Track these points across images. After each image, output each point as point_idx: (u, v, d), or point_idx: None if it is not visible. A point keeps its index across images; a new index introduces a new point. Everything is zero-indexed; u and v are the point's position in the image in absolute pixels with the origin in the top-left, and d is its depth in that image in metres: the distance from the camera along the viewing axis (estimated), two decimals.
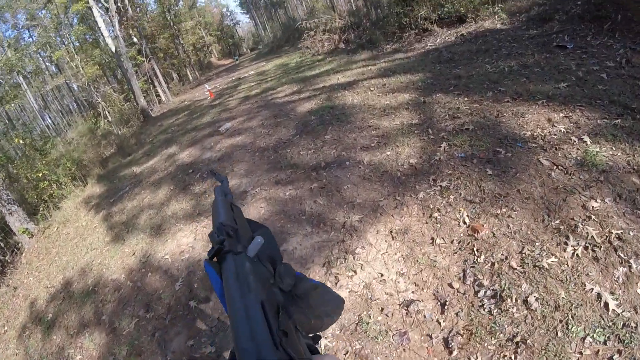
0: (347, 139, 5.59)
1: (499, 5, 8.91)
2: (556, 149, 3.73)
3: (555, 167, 3.50)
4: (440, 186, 3.85)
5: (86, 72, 17.01)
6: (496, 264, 2.82)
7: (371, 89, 7.49)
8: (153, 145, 11.71)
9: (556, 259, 2.65)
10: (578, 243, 2.70)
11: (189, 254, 4.63)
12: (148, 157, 10.35)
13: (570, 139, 3.79)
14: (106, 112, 16.58)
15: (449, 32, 9.42)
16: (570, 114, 4.24)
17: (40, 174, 10.50)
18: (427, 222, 3.53)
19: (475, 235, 3.14)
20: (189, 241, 4.96)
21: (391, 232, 3.58)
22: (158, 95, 20.28)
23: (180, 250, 4.82)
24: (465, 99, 5.50)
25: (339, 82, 8.94)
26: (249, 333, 0.45)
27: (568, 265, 2.60)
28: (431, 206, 3.66)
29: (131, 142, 14.18)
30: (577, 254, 2.63)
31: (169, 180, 7.44)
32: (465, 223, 3.33)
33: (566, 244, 2.72)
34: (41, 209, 9.91)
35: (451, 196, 3.67)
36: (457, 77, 6.48)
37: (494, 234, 3.08)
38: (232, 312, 0.50)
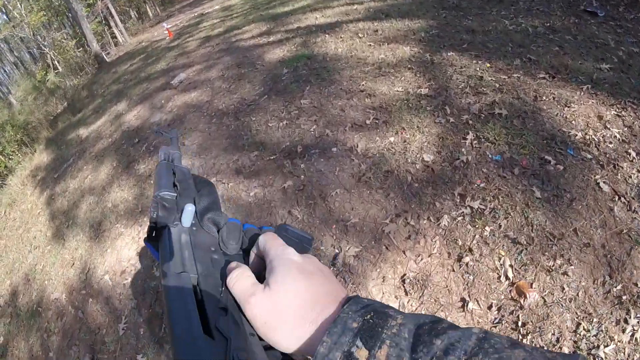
0: (332, 108, 4.10)
1: None
2: (614, 166, 2.72)
3: (617, 197, 2.55)
4: (471, 208, 2.61)
5: (30, 20, 14.33)
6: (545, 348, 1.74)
7: (359, 34, 5.80)
8: (104, 98, 9.95)
9: (614, 346, 1.98)
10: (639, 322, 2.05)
11: (130, 277, 3.72)
12: (96, 116, 8.77)
13: (628, 153, 2.77)
14: (55, 62, 14.23)
15: None
16: (622, 112, 3.16)
17: None
18: (454, 270, 2.35)
19: (521, 300, 2.20)
20: (130, 255, 3.93)
21: (403, 281, 2.34)
22: (114, 37, 17.68)
23: (121, 268, 3.88)
24: (488, 64, 4.07)
25: (318, 22, 7.13)
26: (182, 320, 0.38)
27: (625, 354, 1.95)
28: (459, 242, 2.47)
29: (82, 95, 12.26)
30: (636, 338, 1.99)
31: (113, 153, 6.03)
32: (507, 278, 2.27)
33: (626, 321, 2.05)
34: None
35: (487, 228, 2.48)
36: (469, 31, 4.95)
37: (544, 301, 2.19)
38: (165, 296, 0.42)
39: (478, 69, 4.02)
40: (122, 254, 4.02)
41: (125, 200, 4.71)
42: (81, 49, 15.30)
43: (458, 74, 4.01)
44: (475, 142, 3.12)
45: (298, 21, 7.63)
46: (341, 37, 5.91)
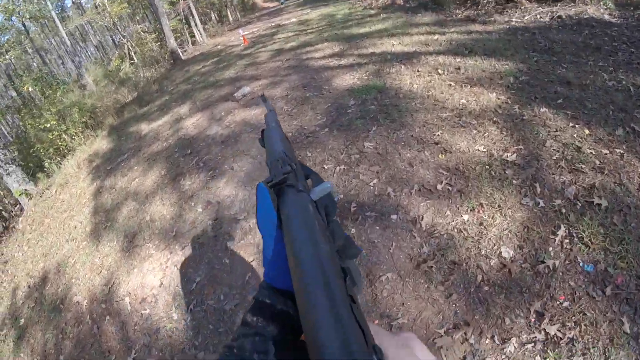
0: (399, 160, 3.53)
1: None
2: None
3: None
4: (547, 333, 1.99)
5: (112, 10, 14.91)
6: None
7: (439, 70, 5.17)
8: (171, 96, 9.98)
9: None
10: None
11: (149, 309, 3.41)
12: (160, 113, 8.73)
13: None
14: (132, 53, 14.63)
15: (541, 9, 6.72)
16: None
17: (48, 125, 9.57)
18: None
19: None
20: (154, 283, 3.61)
21: None
22: (193, 36, 18.10)
23: (142, 294, 3.58)
24: (587, 131, 3.32)
25: (394, 50, 6.58)
26: (325, 301, 0.31)
27: None
28: None
29: (152, 89, 12.44)
30: None
31: (163, 160, 5.84)
32: None
33: None
34: (46, 164, 9.05)
35: None
36: (564, 82, 4.17)
37: None
38: (299, 264, 0.37)
39: (576, 135, 3.29)
40: (146, 279, 3.71)
41: (163, 217, 4.40)
42: (159, 43, 15.70)
43: (552, 139, 3.30)
44: (566, 240, 2.42)
45: (373, 46, 7.12)
46: (418, 71, 5.32)
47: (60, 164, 8.88)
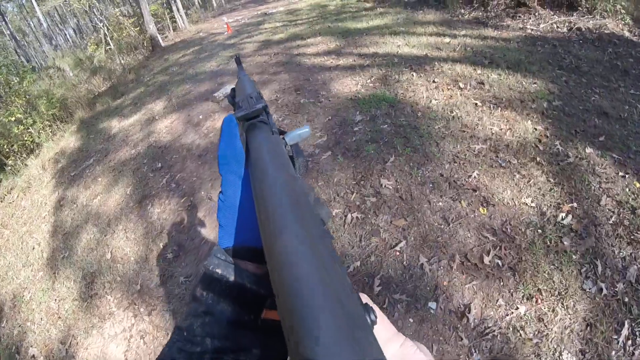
0: (429, 211, 2.71)
1: (622, 2, 5.51)
2: None
3: None
4: None
5: None
6: None
7: (460, 83, 4.31)
8: (146, 89, 8.90)
9: None
10: None
11: None
12: (133, 109, 7.67)
13: None
14: (108, 39, 13.23)
15: (557, 17, 5.90)
16: None
17: (14, 118, 8.37)
18: None
19: None
20: (118, 355, 2.70)
21: None
22: (174, 21, 16.71)
23: None
24: (637, 183, 2.62)
25: (401, 52, 5.67)
26: (298, 230, 0.25)
27: None
28: None
29: (128, 78, 11.24)
30: None
31: (130, 174, 4.89)
32: None
33: None
34: (10, 162, 7.83)
35: None
36: (601, 113, 3.46)
37: None
38: (266, 194, 0.31)
39: (628, 190, 2.53)
40: (108, 348, 2.80)
41: (126, 258, 3.49)
42: (138, 28, 14.31)
43: (605, 194, 2.53)
44: (629, 342, 1.77)
45: (375, 45, 6.19)
46: (434, 82, 4.43)
47: (26, 162, 7.77)
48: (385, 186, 2.95)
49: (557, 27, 5.74)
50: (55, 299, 3.53)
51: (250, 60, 7.59)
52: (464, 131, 3.40)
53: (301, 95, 5.00)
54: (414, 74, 4.76)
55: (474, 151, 3.12)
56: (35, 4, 13.39)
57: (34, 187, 6.22)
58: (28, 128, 8.54)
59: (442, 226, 2.50)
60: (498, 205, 2.59)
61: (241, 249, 0.38)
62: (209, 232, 3.23)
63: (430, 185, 2.90)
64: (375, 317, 0.22)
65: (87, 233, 4.14)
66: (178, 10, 16.43)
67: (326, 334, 0.17)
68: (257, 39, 9.64)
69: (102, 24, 13.33)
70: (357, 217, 2.71)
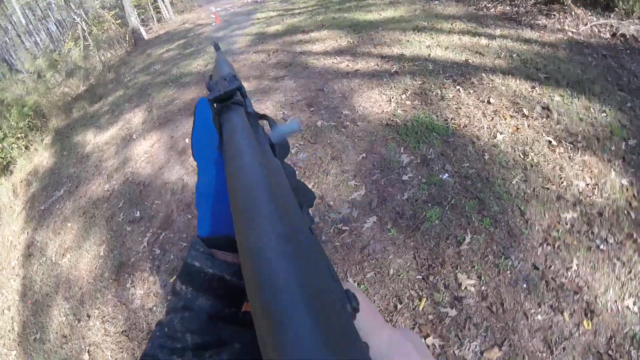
0: (525, 330, 1.72)
1: None
2: None
3: None
4: None
5: None
6: None
7: (524, 109, 3.09)
8: (126, 91, 7.57)
9: None
10: None
11: None
12: (110, 118, 6.38)
13: None
14: (86, 34, 11.57)
15: (595, 19, 4.67)
16: None
17: None
18: None
19: None
20: None
21: None
22: (159, 12, 15.00)
23: None
24: None
25: (435, 55, 4.36)
26: (273, 217, 0.22)
27: None
28: None
29: (107, 78, 9.77)
30: None
31: (104, 224, 3.66)
32: None
33: None
34: None
35: None
36: None
37: None
38: (238, 178, 0.27)
39: None
40: None
41: None
42: (120, 21, 12.67)
43: None
44: None
45: (398, 43, 4.87)
46: (490, 104, 3.21)
47: None
48: (466, 287, 1.79)
49: (599, 31, 4.58)
50: None
51: (243, 59, 6.21)
52: (547, 188, 2.29)
53: (316, 114, 3.71)
54: (460, 88, 3.50)
55: (566, 224, 2.07)
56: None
57: (4, 218, 5.06)
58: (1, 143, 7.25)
59: (545, 355, 1.40)
60: (602, 313, 1.71)
61: (219, 238, 0.34)
62: None
63: (524, 284, 1.84)
64: (357, 303, 0.20)
65: (58, 309, 3.05)
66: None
67: (295, 327, 0.15)
68: (250, 31, 8.21)
69: (79, 18, 11.63)
70: (434, 346, 1.55)
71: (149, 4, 14.33)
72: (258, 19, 9.27)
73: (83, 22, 11.42)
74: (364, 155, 2.93)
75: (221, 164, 0.35)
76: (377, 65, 4.38)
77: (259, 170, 0.27)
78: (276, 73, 5.00)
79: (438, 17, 5.71)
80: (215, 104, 0.39)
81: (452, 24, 5.30)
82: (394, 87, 3.81)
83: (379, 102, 3.62)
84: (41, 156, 6.46)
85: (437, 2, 6.66)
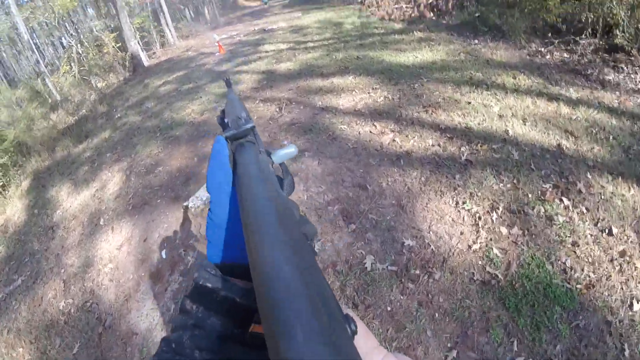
0: None
1: None
2: None
3: None
4: None
5: (56, 3, 10.03)
6: None
7: None
8: (111, 135, 6.25)
9: None
10: None
11: None
12: (88, 173, 5.04)
13: None
14: (82, 58, 10.07)
15: None
16: None
17: None
18: None
19: None
20: None
21: None
22: (162, 36, 13.57)
23: None
24: None
25: (514, 133, 2.88)
26: (281, 243, 0.23)
27: None
28: None
29: (99, 111, 8.37)
30: None
31: None
32: None
33: None
34: None
35: None
36: None
37: None
38: (252, 209, 0.28)
39: None
40: None
41: None
42: (120, 44, 11.24)
43: None
44: None
45: (454, 106, 3.42)
46: (612, 235, 1.81)
47: None
48: None
49: None
50: None
51: (250, 108, 4.77)
52: None
53: (360, 238, 2.23)
54: (567, 201, 2.10)
55: None
56: (14, 9, 10.29)
57: None
58: None
59: None
60: None
61: (228, 265, 0.34)
62: None
63: None
64: (356, 327, 0.20)
65: None
66: (167, 23, 13.35)
67: (305, 341, 0.15)
68: (256, 67, 6.77)
69: (74, 40, 10.15)
70: None
71: (151, 26, 12.93)
72: (266, 51, 7.83)
73: (78, 45, 9.95)
74: (453, 352, 1.45)
75: (234, 199, 0.35)
76: (437, 144, 2.90)
77: (269, 201, 0.27)
78: (291, 141, 3.53)
79: (492, 66, 4.28)
80: (230, 142, 0.40)
81: (514, 78, 3.87)
82: (475, 193, 2.34)
83: (458, 224, 2.16)
84: (15, 207, 5.26)
85: (475, 41, 5.26)
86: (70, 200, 4.58)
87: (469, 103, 3.42)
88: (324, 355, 0.15)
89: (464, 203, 2.34)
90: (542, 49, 4.59)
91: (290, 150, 0.43)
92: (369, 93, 4.08)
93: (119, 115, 7.34)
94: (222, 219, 0.35)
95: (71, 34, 10.28)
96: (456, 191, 2.45)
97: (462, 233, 2.16)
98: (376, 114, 3.55)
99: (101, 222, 3.51)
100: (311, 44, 7.25)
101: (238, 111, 0.49)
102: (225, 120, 0.46)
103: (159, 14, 13.52)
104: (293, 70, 5.85)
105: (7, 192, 6.06)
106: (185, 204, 2.97)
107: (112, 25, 12.26)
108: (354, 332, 0.19)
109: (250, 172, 0.34)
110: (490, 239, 2.07)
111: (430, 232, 2.21)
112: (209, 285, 0.33)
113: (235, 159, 0.38)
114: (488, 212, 2.26)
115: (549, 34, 4.77)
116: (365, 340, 0.25)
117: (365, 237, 2.26)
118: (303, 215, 0.38)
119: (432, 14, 7.22)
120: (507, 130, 2.94)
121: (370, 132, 3.26)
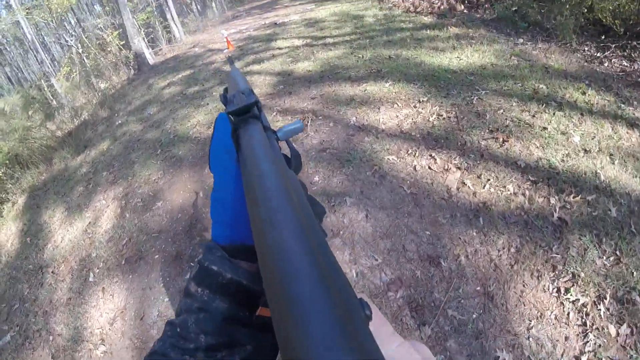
0: None
1: None
2: None
3: None
4: None
5: (52, 2, 9.22)
6: None
7: None
8: (110, 147, 5.45)
9: None
10: None
11: None
12: (83, 196, 4.43)
13: None
14: (83, 59, 9.28)
15: None
16: None
17: None
18: None
19: None
20: None
21: None
22: (169, 31, 12.68)
23: None
24: None
25: (607, 177, 2.08)
26: (290, 222, 0.20)
27: None
28: None
29: (99, 117, 7.69)
30: None
31: None
32: None
33: None
34: None
35: None
36: None
37: None
38: (257, 187, 0.25)
39: None
40: None
41: None
42: (123, 42, 10.45)
43: None
44: None
45: (527, 132, 2.56)
46: None
47: None
48: None
49: None
50: None
51: (269, 114, 4.02)
52: None
53: (437, 345, 1.46)
54: None
55: None
56: (17, 6, 9.56)
57: None
58: None
59: None
60: None
61: (233, 247, 0.33)
62: None
63: None
64: (370, 312, 0.19)
65: None
66: (173, 18, 12.48)
67: (318, 326, 0.14)
68: (270, 67, 5.94)
69: (74, 40, 9.35)
70: None
71: (157, 22, 12.07)
72: (280, 48, 6.98)
73: (79, 45, 9.15)
74: None
75: (239, 177, 0.33)
76: (521, 192, 2.08)
77: (276, 177, 0.25)
78: (325, 177, 2.72)
79: (552, 74, 3.39)
80: (233, 117, 0.36)
81: (582, 93, 3.00)
82: (577, 274, 1.59)
83: (562, 324, 1.44)
84: (9, 230, 4.77)
85: (521, 40, 4.38)
86: (61, 232, 3.95)
87: (545, 129, 2.57)
88: (341, 347, 0.13)
89: (566, 291, 1.57)
90: (598, 54, 3.72)
91: (296, 126, 0.40)
92: (415, 107, 3.24)
93: (119, 121, 6.63)
94: (227, 198, 0.33)
95: (71, 34, 9.45)
96: (556, 272, 1.66)
97: (567, 338, 1.41)
98: (431, 140, 2.72)
99: (90, 278, 2.78)
100: (330, 40, 6.37)
101: (241, 86, 0.45)
102: (228, 96, 0.41)
103: (164, 8, 12.65)
104: (313, 72, 5.01)
105: (3, 208, 5.52)
106: (188, 276, 2.23)
107: (117, 23, 11.44)
108: (369, 317, 0.18)
109: (254, 148, 0.29)
110: (599, 346, 1.34)
111: (530, 339, 1.45)
112: (214, 267, 0.31)
113: (238, 135, 0.33)
114: (595, 303, 1.50)
115: (602, 36, 3.89)
116: (379, 327, 0.23)
117: (446, 347, 1.49)
118: (311, 195, 0.33)
119: (462, 7, 6.30)
120: (597, 172, 2.12)
121: (429, 167, 2.44)
